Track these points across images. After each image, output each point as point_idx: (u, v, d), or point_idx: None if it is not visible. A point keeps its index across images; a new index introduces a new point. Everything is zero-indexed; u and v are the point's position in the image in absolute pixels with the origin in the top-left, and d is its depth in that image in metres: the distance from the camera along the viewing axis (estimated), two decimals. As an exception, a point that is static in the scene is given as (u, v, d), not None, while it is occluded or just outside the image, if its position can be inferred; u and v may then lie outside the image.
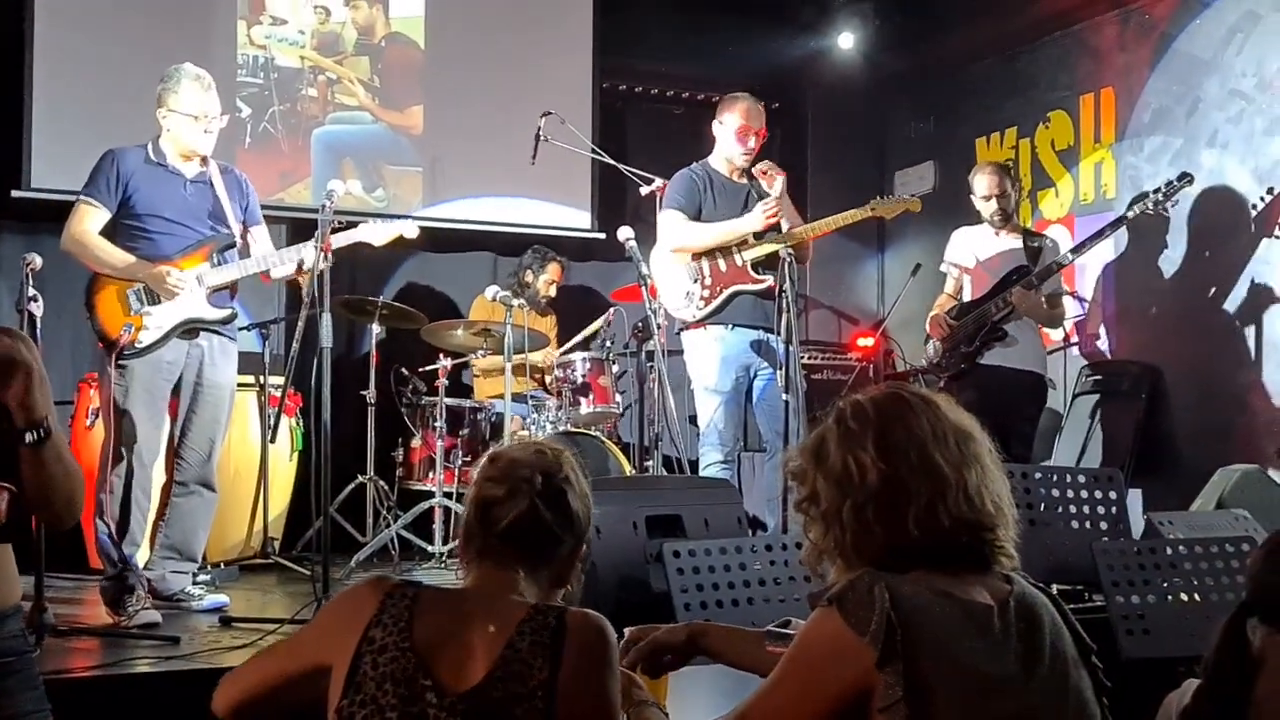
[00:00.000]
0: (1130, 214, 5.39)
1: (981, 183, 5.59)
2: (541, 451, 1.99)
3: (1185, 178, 5.33)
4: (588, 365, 5.85)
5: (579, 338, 6.43)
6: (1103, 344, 6.34)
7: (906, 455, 1.72)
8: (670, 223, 5.18)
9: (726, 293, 5.06)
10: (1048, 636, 1.70)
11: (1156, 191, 5.33)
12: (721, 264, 5.10)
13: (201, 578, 4.65)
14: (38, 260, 3.82)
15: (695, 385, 5.17)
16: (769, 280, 4.94)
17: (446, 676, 1.75)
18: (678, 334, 5.31)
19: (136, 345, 4.24)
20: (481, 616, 1.81)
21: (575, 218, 7.26)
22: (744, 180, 5.23)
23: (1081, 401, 6.12)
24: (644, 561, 3.56)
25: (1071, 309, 6.19)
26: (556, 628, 1.78)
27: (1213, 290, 5.78)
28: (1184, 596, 3.69)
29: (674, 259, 5.18)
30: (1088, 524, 4.00)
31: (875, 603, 1.63)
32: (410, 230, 4.79)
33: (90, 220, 4.31)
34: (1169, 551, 3.74)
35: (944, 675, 1.62)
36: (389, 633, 1.77)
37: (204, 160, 4.48)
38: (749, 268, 5.07)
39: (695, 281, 5.08)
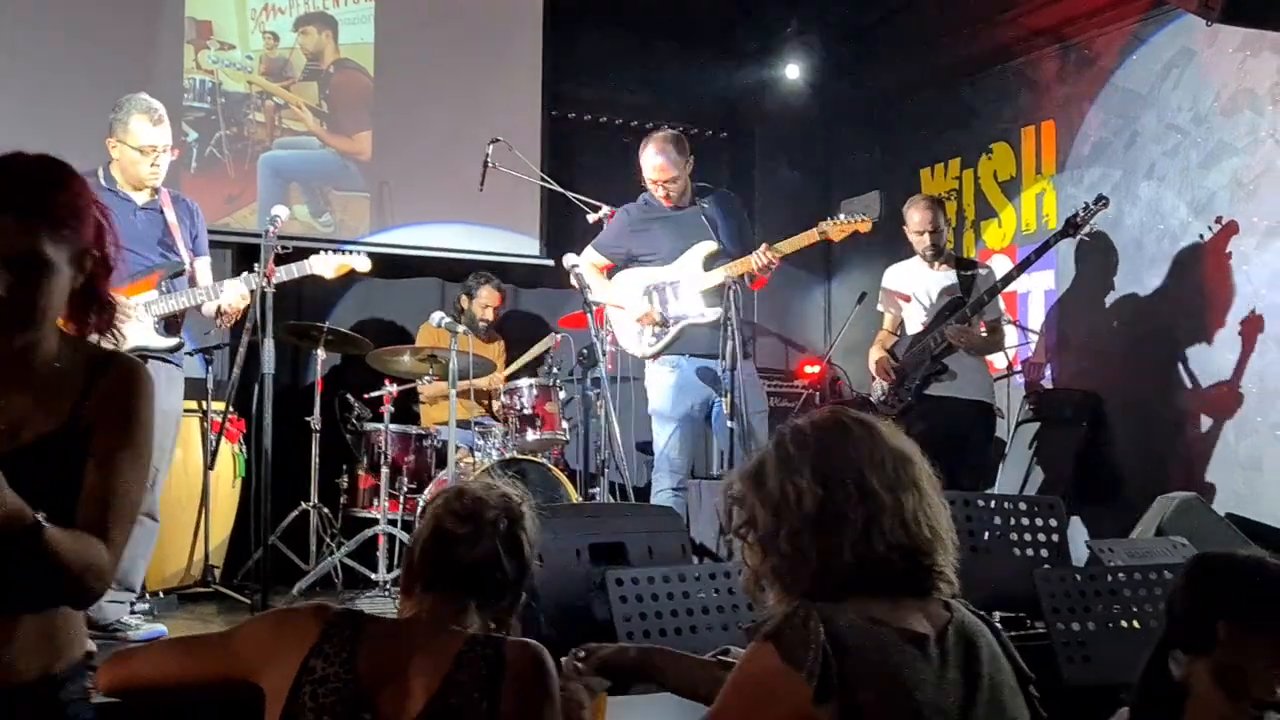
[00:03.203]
0: (1052, 239, 5.47)
1: (914, 217, 5.64)
2: (506, 496, 1.99)
3: (1101, 200, 5.44)
4: (534, 392, 5.83)
5: (523, 360, 6.42)
6: (1046, 372, 6.42)
7: (843, 480, 1.71)
8: (582, 260, 5.22)
9: (675, 328, 5.07)
10: (986, 666, 1.70)
11: (1075, 216, 5.42)
12: (671, 297, 5.11)
13: (139, 607, 4.55)
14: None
15: (650, 411, 5.18)
16: (718, 312, 4.94)
17: (387, 709, 1.73)
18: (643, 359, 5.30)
19: (79, 371, 4.16)
20: (422, 648, 1.79)
21: (523, 244, 7.26)
22: (689, 206, 5.23)
23: (1024, 430, 6.17)
24: (587, 589, 3.53)
25: (1014, 337, 6.26)
26: (495, 659, 1.77)
27: (1152, 319, 5.87)
28: (1124, 623, 3.71)
29: (624, 297, 5.20)
30: (1029, 551, 4.02)
31: (811, 636, 1.62)
32: (361, 264, 4.76)
33: (36, 244, 4.23)
34: (1109, 579, 3.76)
35: (882, 707, 1.62)
36: (331, 664, 1.75)
37: (155, 189, 4.43)
38: (700, 299, 5.08)
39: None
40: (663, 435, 5.10)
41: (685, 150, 5.21)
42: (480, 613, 1.88)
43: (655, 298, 5.00)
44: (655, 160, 5.15)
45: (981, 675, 1.69)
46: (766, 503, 1.74)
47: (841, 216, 5.08)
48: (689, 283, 5.10)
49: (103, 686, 1.92)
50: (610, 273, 5.35)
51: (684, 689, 2.11)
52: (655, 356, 5.09)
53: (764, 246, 4.96)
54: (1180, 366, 5.72)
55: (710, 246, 5.10)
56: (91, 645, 3.84)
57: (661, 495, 5.01)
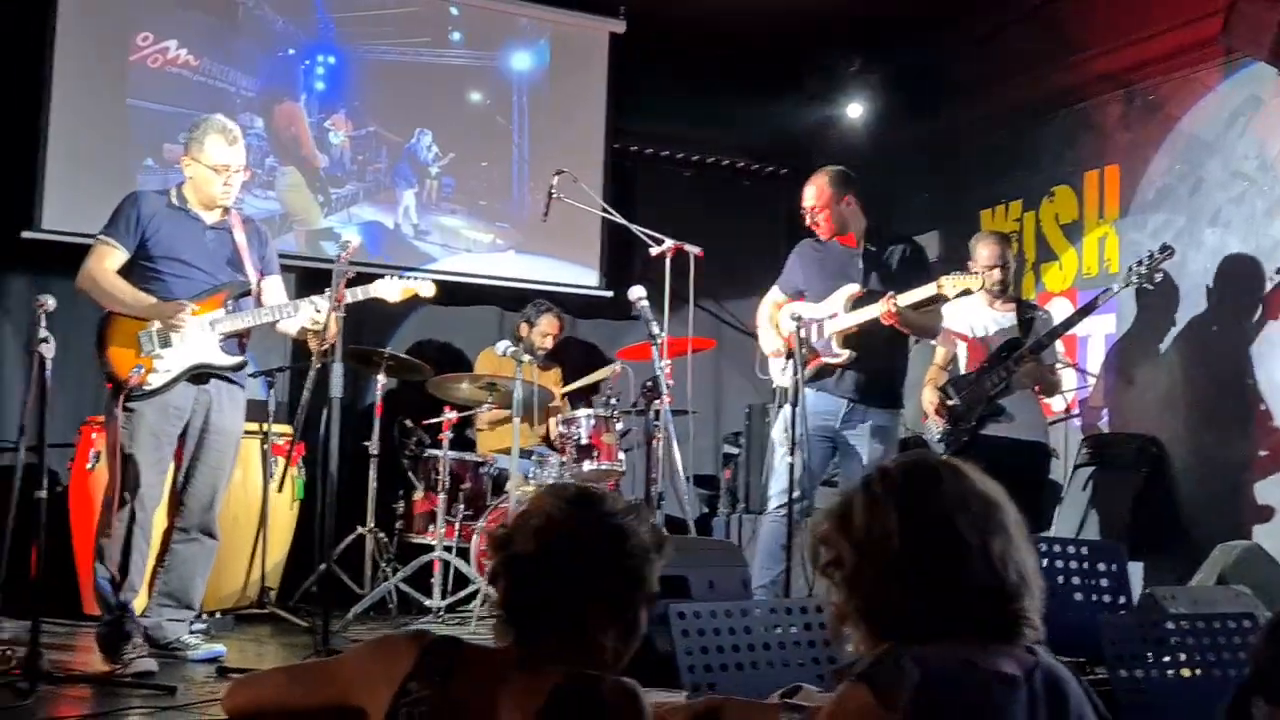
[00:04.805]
0: (1116, 288, 5.43)
1: (984, 252, 5.61)
2: (619, 527, 1.88)
3: (1166, 250, 5.38)
4: (592, 422, 5.86)
5: (582, 382, 6.45)
6: (1104, 416, 6.36)
7: (931, 523, 1.72)
8: (767, 296, 5.44)
9: (813, 368, 5.07)
10: (1074, 711, 1.70)
11: (1139, 264, 5.37)
12: (815, 334, 5.12)
13: (197, 626, 4.61)
14: (50, 301, 3.78)
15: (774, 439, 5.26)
16: (846, 354, 5.04)
17: None
18: None
19: (145, 387, 4.23)
20: (518, 679, 1.78)
21: (583, 275, 7.32)
22: (854, 245, 5.24)
23: (1080, 473, 6.12)
24: (649, 622, 3.54)
25: (1072, 380, 6.21)
26: (592, 698, 1.74)
27: (1214, 366, 5.81)
28: (1185, 672, 3.67)
29: (772, 331, 5.32)
30: (1092, 596, 3.99)
31: (904, 676, 1.62)
32: (426, 289, 4.78)
33: (108, 259, 4.34)
34: (1171, 626, 3.72)
35: None
36: (425, 687, 1.76)
37: (225, 209, 4.51)
38: (832, 343, 5.09)
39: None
40: (774, 458, 5.16)
41: (836, 184, 5.25)
42: (583, 648, 1.83)
43: (792, 329, 4.92)
44: (804, 190, 5.27)
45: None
46: (853, 542, 1.75)
47: (958, 273, 5.00)
48: (830, 322, 5.11)
49: (228, 710, 1.96)
50: None
51: None
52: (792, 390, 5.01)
53: (888, 296, 4.94)
54: (1242, 414, 5.66)
55: (853, 289, 5.11)
56: (153, 664, 3.92)
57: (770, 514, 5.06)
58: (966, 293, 5.01)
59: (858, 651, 1.75)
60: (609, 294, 7.29)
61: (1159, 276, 5.41)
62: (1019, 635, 1.74)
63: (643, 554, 1.87)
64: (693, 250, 5.30)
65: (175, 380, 4.31)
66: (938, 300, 4.99)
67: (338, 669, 1.91)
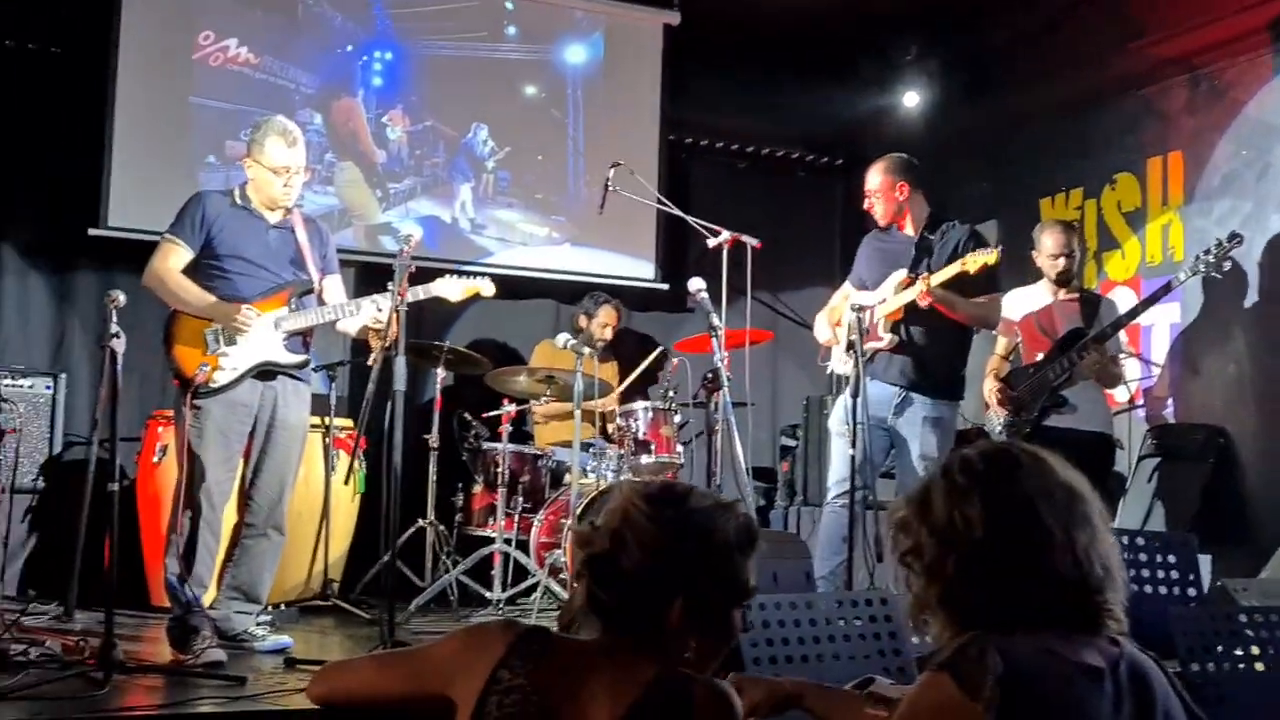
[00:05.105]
0: (1182, 276, 5.33)
1: (1049, 240, 5.53)
2: (710, 529, 1.84)
3: (1235, 238, 5.26)
4: (649, 415, 5.85)
5: (636, 373, 6.46)
6: (1169, 406, 6.27)
7: (1014, 513, 1.69)
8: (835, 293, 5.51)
9: (869, 349, 5.04)
10: (1160, 703, 1.68)
11: (1207, 253, 5.26)
12: (868, 321, 5.09)
13: (263, 618, 4.65)
14: (121, 297, 3.80)
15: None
16: (889, 339, 5.05)
17: None
18: None
19: (211, 385, 4.28)
20: (609, 674, 1.78)
21: (639, 268, 7.32)
22: (909, 234, 5.25)
23: (1145, 464, 6.04)
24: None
25: (1136, 370, 6.12)
26: (684, 697, 1.73)
27: (1281, 354, 5.71)
28: (1258, 666, 3.62)
29: (824, 321, 5.38)
30: (1161, 589, 3.94)
31: (988, 667, 1.60)
32: (487, 288, 4.78)
33: (173, 258, 4.39)
34: (1244, 619, 3.67)
35: None
36: (516, 675, 1.77)
37: (287, 209, 4.56)
38: (879, 327, 5.09)
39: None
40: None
41: (892, 170, 5.26)
42: (666, 646, 1.82)
43: (852, 320, 4.87)
44: (866, 175, 5.29)
45: (1156, 712, 1.66)
46: (934, 531, 1.73)
47: (976, 251, 4.98)
48: (879, 308, 5.10)
49: (314, 697, 1.97)
50: None
51: None
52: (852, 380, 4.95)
53: (922, 277, 4.94)
54: (1312, 403, 5.57)
55: (901, 274, 5.09)
56: (222, 655, 3.97)
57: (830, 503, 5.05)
58: (986, 265, 4.93)
59: (938, 641, 1.74)
60: (664, 286, 7.28)
61: (1227, 265, 5.30)
62: (1102, 626, 1.72)
63: (724, 552, 1.84)
64: (750, 241, 5.27)
65: (241, 378, 4.35)
66: (963, 278, 4.95)
67: (428, 657, 1.92)
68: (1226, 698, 3.50)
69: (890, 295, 5.09)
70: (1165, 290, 5.36)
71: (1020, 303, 5.63)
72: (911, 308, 5.02)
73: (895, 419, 5.08)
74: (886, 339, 5.07)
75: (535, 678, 1.77)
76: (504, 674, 1.78)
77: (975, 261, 4.87)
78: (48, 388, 5.77)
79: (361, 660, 2.05)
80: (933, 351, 5.11)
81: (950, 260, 5.03)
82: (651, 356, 6.46)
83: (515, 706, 1.74)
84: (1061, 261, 5.49)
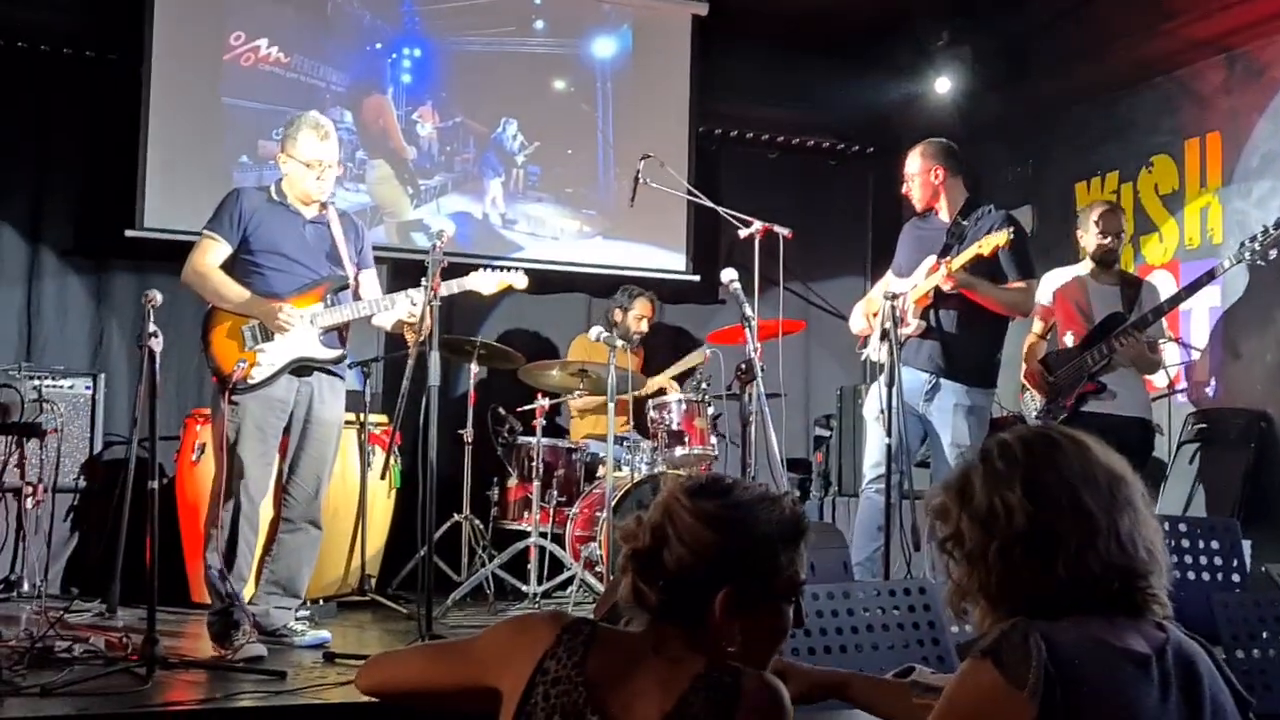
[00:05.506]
0: (1227, 264, 5.23)
1: (1092, 222, 5.45)
2: (756, 518, 1.82)
3: None
4: (683, 407, 5.84)
5: (674, 370, 6.45)
6: (1210, 391, 6.19)
7: (1056, 498, 1.66)
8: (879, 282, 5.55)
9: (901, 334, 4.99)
10: (1207, 689, 1.65)
11: (1252, 240, 5.17)
12: (901, 308, 5.06)
13: (302, 613, 4.69)
14: (158, 296, 3.85)
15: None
16: (916, 324, 5.04)
17: (616, 715, 1.73)
18: None
19: (249, 381, 4.31)
20: (657, 665, 1.77)
21: (670, 260, 7.30)
22: (944, 219, 5.23)
23: (1186, 450, 5.98)
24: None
25: (1176, 355, 6.05)
26: (731, 689, 1.72)
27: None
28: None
29: (859, 311, 5.40)
30: (1204, 575, 3.90)
31: (1032, 654, 1.57)
32: (520, 282, 4.80)
33: (212, 254, 4.43)
34: (1288, 605, 3.62)
35: None
36: (563, 665, 1.77)
37: (323, 205, 4.58)
38: (909, 313, 5.06)
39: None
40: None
41: (929, 155, 5.26)
42: (712, 639, 1.79)
43: (886, 308, 4.85)
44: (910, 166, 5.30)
45: (1204, 698, 1.63)
46: (974, 517, 1.70)
47: (990, 234, 4.96)
48: (911, 293, 5.07)
49: (363, 688, 1.98)
50: None
51: (884, 713, 2.08)
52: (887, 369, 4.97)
53: (944, 261, 4.93)
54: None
55: (932, 260, 5.06)
56: (262, 649, 4.00)
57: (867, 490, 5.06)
58: (998, 247, 4.88)
59: (979, 629, 1.72)
60: (696, 278, 7.27)
61: (1274, 253, 5.21)
62: (1147, 611, 1.69)
63: (767, 544, 1.81)
64: (782, 232, 5.24)
65: (278, 374, 4.37)
66: (993, 264, 4.94)
67: (476, 648, 1.91)
68: (1273, 685, 3.47)
69: (921, 281, 5.07)
70: (1209, 278, 5.27)
71: (1059, 282, 5.57)
72: (939, 293, 5.00)
73: (926, 406, 5.05)
74: (914, 324, 5.05)
75: (582, 669, 1.76)
76: (551, 665, 1.77)
77: (989, 243, 4.84)
78: (87, 388, 5.83)
79: (409, 651, 2.05)
80: (963, 337, 5.07)
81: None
82: (693, 356, 6.45)
83: (562, 697, 1.74)
84: (1109, 240, 5.42)
